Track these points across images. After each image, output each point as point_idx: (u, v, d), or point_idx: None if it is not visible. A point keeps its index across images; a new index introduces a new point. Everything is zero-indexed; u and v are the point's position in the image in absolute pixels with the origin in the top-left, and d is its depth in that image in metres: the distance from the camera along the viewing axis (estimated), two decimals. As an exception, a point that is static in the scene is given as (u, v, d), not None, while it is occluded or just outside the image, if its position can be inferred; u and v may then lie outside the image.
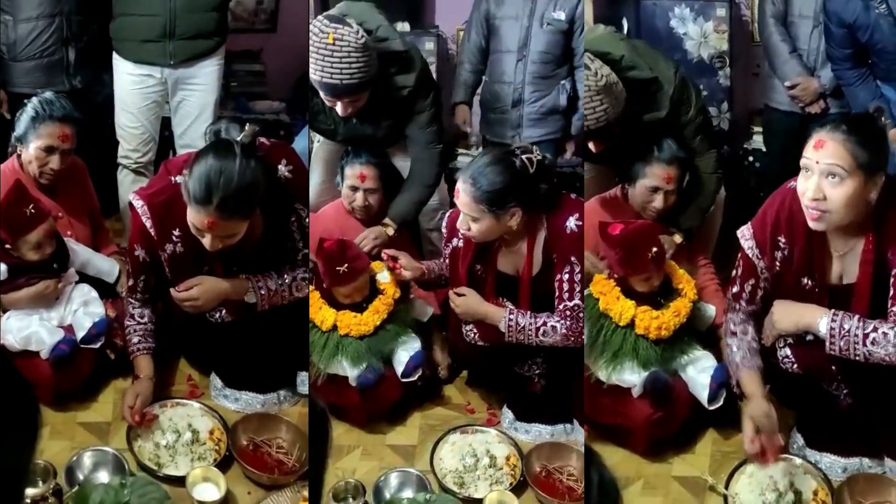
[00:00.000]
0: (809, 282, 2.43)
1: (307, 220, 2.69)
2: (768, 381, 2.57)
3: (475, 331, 2.69)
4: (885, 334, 2.27)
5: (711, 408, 2.58)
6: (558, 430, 2.76)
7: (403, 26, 4.36)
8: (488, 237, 2.64)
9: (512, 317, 2.62)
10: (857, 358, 2.30)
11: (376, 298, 2.79)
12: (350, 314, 2.75)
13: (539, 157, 2.60)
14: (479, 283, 2.74)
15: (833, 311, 2.34)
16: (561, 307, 2.60)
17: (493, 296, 2.71)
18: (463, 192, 2.56)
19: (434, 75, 4.26)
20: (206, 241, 2.43)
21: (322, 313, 2.75)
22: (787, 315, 2.44)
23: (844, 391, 2.49)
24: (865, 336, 2.28)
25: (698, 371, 2.61)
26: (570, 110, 3.78)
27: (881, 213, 2.31)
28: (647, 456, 2.65)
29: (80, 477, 2.43)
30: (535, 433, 2.76)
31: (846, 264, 2.40)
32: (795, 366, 2.48)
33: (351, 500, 2.46)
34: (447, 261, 2.85)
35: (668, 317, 2.59)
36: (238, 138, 2.45)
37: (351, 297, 2.77)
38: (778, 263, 2.45)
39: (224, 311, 2.64)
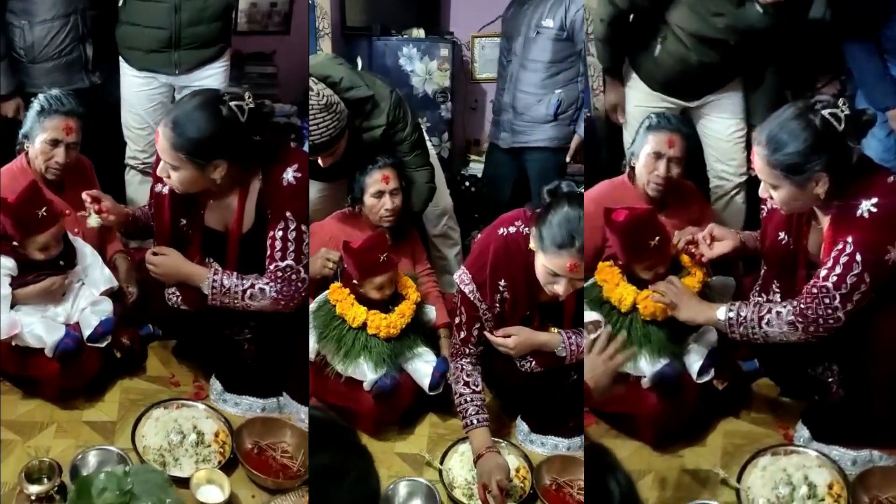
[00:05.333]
0: (786, 237, 2.47)
1: (293, 233, 2.51)
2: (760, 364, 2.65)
3: (531, 360, 2.62)
4: (778, 313, 2.33)
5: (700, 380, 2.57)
6: (574, 444, 2.72)
7: (419, 32, 4.38)
8: (190, 188, 2.48)
9: (216, 278, 2.48)
10: (758, 340, 2.36)
11: (402, 302, 2.79)
12: (380, 315, 2.73)
13: (251, 105, 2.43)
14: (185, 239, 2.60)
15: (731, 302, 2.42)
16: (272, 267, 2.46)
17: (199, 254, 2.60)
18: (163, 137, 2.38)
19: (449, 81, 4.27)
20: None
21: (354, 310, 2.73)
22: (690, 306, 2.48)
23: (830, 379, 2.49)
24: (760, 318, 2.35)
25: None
26: (569, 115, 3.84)
27: (840, 198, 2.30)
28: (657, 448, 2.63)
29: (84, 475, 2.40)
30: (550, 446, 2.73)
31: (821, 239, 2.41)
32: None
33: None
34: (152, 209, 2.69)
35: None
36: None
37: (382, 292, 2.76)
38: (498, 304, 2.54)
39: (179, 296, 2.60)
